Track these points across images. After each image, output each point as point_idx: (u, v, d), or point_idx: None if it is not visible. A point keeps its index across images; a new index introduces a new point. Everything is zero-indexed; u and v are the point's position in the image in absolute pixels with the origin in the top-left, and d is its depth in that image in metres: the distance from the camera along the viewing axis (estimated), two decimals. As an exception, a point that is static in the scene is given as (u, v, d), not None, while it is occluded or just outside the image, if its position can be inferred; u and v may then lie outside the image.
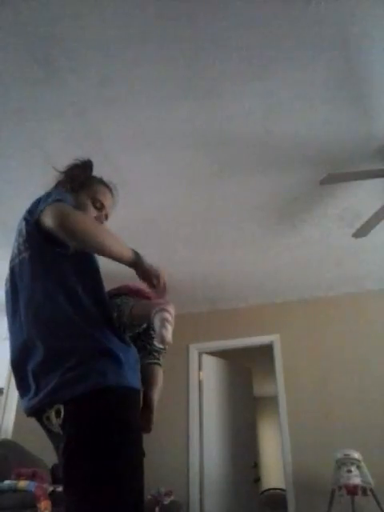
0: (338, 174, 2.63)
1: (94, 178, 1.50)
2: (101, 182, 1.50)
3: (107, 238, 1.17)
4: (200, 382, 4.68)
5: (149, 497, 3.60)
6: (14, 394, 4.43)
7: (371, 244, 3.62)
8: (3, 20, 1.91)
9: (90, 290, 1.21)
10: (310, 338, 4.49)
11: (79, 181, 1.45)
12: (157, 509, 3.56)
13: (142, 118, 2.45)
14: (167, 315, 1.16)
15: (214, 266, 4.09)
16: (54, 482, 3.24)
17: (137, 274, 1.24)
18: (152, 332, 1.40)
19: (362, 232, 3.07)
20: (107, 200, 1.48)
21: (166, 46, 2.04)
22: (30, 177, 2.82)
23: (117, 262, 1.19)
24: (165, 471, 4.09)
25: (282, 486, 5.08)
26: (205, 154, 2.72)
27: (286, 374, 4.40)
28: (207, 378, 4.77)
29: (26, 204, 1.31)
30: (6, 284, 1.29)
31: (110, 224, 1.52)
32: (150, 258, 1.26)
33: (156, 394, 1.40)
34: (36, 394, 1.10)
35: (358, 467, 3.35)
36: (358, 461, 3.37)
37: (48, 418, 1.06)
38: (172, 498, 3.77)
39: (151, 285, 1.23)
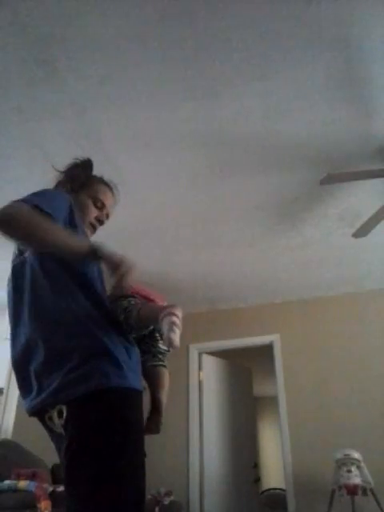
0: (338, 173, 2.63)
1: (95, 177, 1.50)
2: (101, 181, 1.50)
3: (51, 233, 1.10)
4: (200, 382, 4.68)
5: (149, 497, 3.60)
6: (14, 394, 4.43)
7: (371, 244, 3.62)
8: (3, 20, 1.91)
9: (90, 291, 1.21)
10: (310, 338, 4.49)
11: (80, 181, 1.44)
12: (157, 509, 3.56)
13: (141, 118, 2.45)
14: (175, 319, 1.16)
15: (214, 266, 4.09)
16: (54, 482, 3.24)
17: (104, 267, 1.16)
18: (157, 335, 1.41)
19: (361, 232, 3.07)
20: (108, 199, 1.48)
21: (166, 46, 2.04)
22: (30, 176, 2.82)
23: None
24: (165, 471, 4.09)
25: (282, 486, 5.09)
26: (205, 154, 2.72)
27: (286, 374, 4.40)
28: (207, 378, 4.77)
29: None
30: (8, 284, 1.29)
31: (110, 224, 1.53)
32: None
33: (164, 397, 1.40)
34: (38, 394, 1.10)
35: (358, 467, 3.36)
36: (358, 461, 3.37)
37: (50, 419, 1.07)
38: (172, 498, 3.77)
39: (119, 275, 1.12)
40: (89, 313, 1.16)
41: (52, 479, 3.31)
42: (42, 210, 1.16)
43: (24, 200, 1.18)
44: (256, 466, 4.92)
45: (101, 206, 1.45)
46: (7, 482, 2.79)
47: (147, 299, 1.42)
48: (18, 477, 2.86)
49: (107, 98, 2.32)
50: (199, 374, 4.72)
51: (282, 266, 4.11)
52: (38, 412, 1.12)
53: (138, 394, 1.13)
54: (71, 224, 1.25)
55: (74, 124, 2.47)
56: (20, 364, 1.18)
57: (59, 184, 1.47)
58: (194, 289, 4.48)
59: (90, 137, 2.56)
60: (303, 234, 3.59)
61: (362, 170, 2.69)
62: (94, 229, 1.46)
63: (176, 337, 1.13)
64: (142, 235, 3.55)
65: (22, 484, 2.72)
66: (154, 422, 1.34)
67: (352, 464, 3.34)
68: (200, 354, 4.83)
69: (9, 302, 1.27)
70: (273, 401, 4.99)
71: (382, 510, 3.24)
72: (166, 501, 3.68)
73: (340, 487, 3.32)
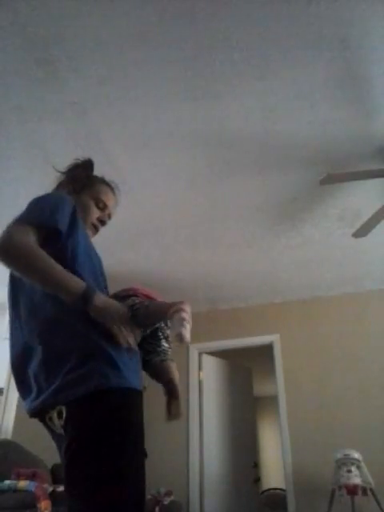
0: (338, 174, 2.63)
1: (96, 177, 1.50)
2: (103, 181, 1.50)
3: (45, 274, 1.09)
4: (200, 382, 4.68)
5: (149, 497, 3.60)
6: (14, 394, 4.43)
7: (371, 244, 3.62)
8: (3, 20, 1.91)
9: None
10: (310, 338, 4.49)
11: (81, 182, 1.44)
12: (157, 509, 3.56)
13: (141, 118, 2.45)
14: (185, 314, 1.18)
15: (214, 266, 4.09)
16: (54, 482, 3.24)
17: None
18: (160, 334, 1.41)
19: (361, 232, 3.07)
20: (110, 200, 1.48)
21: (165, 45, 2.04)
22: (30, 177, 2.82)
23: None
24: (165, 471, 4.09)
25: (282, 486, 5.08)
26: (205, 154, 2.72)
27: (286, 373, 4.40)
28: (207, 378, 4.77)
29: (26, 204, 1.31)
30: (8, 285, 1.29)
31: (110, 224, 1.52)
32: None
33: (177, 382, 1.42)
34: (38, 395, 1.10)
35: (358, 467, 3.36)
36: (358, 461, 3.37)
37: (50, 419, 1.07)
38: (172, 498, 3.77)
39: (112, 331, 1.11)
40: (87, 313, 1.15)
41: (52, 479, 3.31)
42: (48, 225, 1.18)
43: (27, 220, 1.18)
44: (256, 465, 4.93)
45: (103, 207, 1.45)
46: (7, 481, 2.79)
47: (148, 298, 1.42)
48: (18, 477, 2.86)
49: (107, 98, 2.32)
50: (199, 374, 4.72)
51: (282, 266, 4.11)
52: (39, 413, 1.11)
53: (137, 394, 1.13)
54: (74, 227, 1.25)
55: (74, 124, 2.47)
56: (18, 365, 1.18)
57: (60, 185, 1.47)
58: (194, 289, 4.48)
59: (90, 137, 2.56)
60: (303, 234, 3.59)
61: (362, 170, 2.69)
62: (96, 229, 1.46)
63: (187, 332, 1.14)
64: (141, 235, 3.55)
65: (22, 484, 2.72)
66: (175, 406, 1.36)
67: (352, 464, 3.35)
68: (200, 354, 4.83)
69: (8, 302, 1.27)
70: (273, 401, 4.99)
71: (382, 510, 3.24)
72: (166, 501, 3.68)
73: (340, 487, 3.32)
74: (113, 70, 2.17)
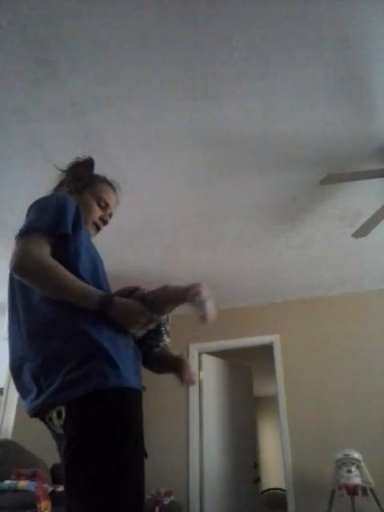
0: (337, 174, 2.63)
1: (98, 176, 1.50)
2: (104, 180, 1.51)
3: (60, 287, 1.13)
4: (200, 382, 4.68)
5: (149, 497, 3.60)
6: (14, 394, 4.43)
7: (371, 244, 3.62)
8: (3, 20, 1.91)
9: None
10: (310, 338, 4.49)
11: (83, 180, 1.45)
12: (157, 509, 3.56)
13: (142, 118, 2.45)
14: (205, 296, 1.22)
15: (214, 266, 4.09)
16: (54, 482, 3.24)
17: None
18: (162, 329, 1.43)
19: (361, 232, 3.07)
20: (111, 199, 1.49)
21: (166, 45, 2.04)
22: (30, 177, 2.81)
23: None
24: (165, 471, 4.09)
25: (282, 486, 5.09)
26: (205, 154, 2.72)
27: (286, 374, 4.40)
28: (207, 378, 4.77)
29: (26, 204, 1.31)
30: (7, 287, 1.29)
31: (110, 224, 1.53)
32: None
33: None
34: (38, 395, 1.10)
35: (358, 467, 3.36)
36: (358, 461, 3.37)
37: (50, 419, 1.07)
38: (172, 498, 3.77)
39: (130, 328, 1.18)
40: (86, 313, 1.15)
41: (52, 479, 3.31)
42: (58, 233, 1.19)
43: (37, 229, 1.19)
44: (256, 465, 4.93)
45: (104, 206, 1.46)
46: (7, 481, 2.80)
47: None
48: (18, 477, 2.86)
49: (107, 98, 2.32)
50: (199, 374, 4.72)
51: (282, 266, 4.11)
52: (39, 413, 1.11)
53: (137, 393, 1.13)
54: (76, 226, 1.25)
55: (74, 124, 2.47)
56: (17, 366, 1.18)
57: (62, 183, 1.47)
58: (193, 289, 4.47)
59: (90, 137, 2.56)
60: (303, 234, 3.59)
61: (362, 170, 2.69)
62: (97, 228, 1.47)
63: (211, 312, 1.20)
64: (141, 235, 3.55)
65: (22, 484, 2.72)
66: (186, 372, 1.39)
67: (352, 464, 3.35)
68: (200, 354, 4.83)
69: (8, 302, 1.27)
70: (273, 401, 4.99)
71: (382, 510, 3.24)
72: (166, 501, 3.68)
73: (340, 487, 3.32)
74: (113, 70, 2.17)
